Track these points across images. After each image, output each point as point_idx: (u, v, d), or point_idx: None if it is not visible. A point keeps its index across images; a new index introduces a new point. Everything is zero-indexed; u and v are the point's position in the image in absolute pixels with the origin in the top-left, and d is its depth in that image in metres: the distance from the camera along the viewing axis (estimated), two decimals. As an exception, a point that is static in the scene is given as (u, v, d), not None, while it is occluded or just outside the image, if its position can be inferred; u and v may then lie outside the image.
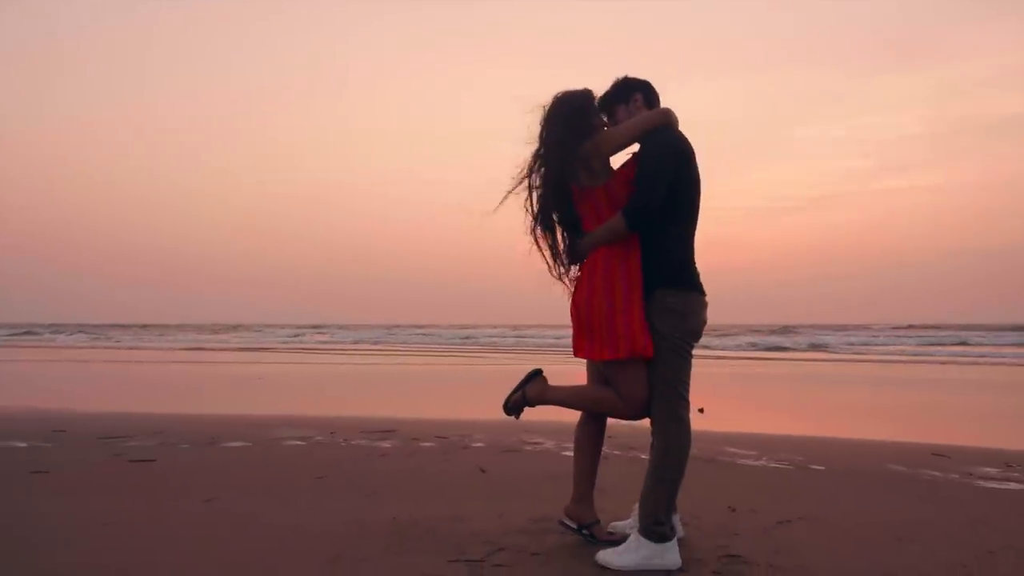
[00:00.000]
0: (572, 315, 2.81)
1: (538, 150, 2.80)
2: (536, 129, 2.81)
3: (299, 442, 5.42)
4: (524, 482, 4.06)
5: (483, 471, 4.37)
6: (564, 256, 2.86)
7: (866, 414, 8.24)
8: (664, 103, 2.91)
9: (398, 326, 52.77)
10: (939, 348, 25.47)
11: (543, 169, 2.78)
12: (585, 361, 2.92)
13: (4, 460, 4.66)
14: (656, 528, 2.60)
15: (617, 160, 2.83)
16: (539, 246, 2.88)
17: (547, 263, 2.88)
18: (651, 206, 2.62)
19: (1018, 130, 62.00)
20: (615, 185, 2.72)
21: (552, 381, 2.96)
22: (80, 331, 43.52)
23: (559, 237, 2.89)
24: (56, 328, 47.57)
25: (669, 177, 2.65)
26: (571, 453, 3.73)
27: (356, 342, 33.25)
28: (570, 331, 2.85)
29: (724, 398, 9.80)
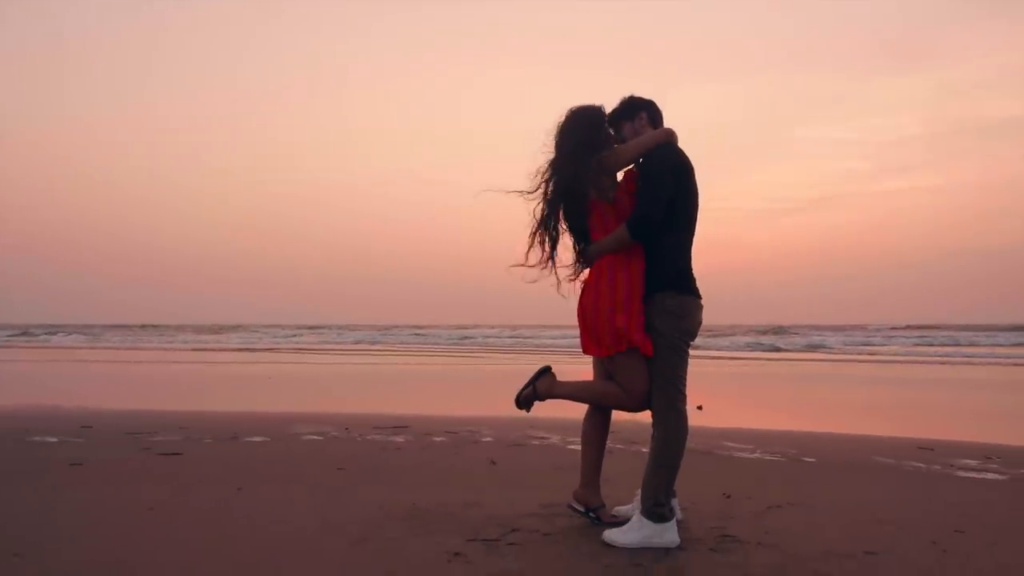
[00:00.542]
0: (579, 316, 3.08)
1: (553, 160, 3.07)
2: (550, 140, 3.08)
3: (316, 437, 5.70)
4: (532, 473, 4.33)
5: (493, 463, 4.64)
6: (555, 259, 3.12)
7: (858, 411, 8.51)
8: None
9: (396, 326, 52.86)
10: (933, 348, 25.73)
11: (555, 179, 3.05)
12: (591, 360, 3.19)
13: (41, 454, 4.93)
14: (657, 509, 2.87)
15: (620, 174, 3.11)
16: (541, 246, 3.14)
17: (541, 260, 3.12)
18: (652, 219, 2.89)
19: (1017, 131, 62.20)
20: (620, 198, 3.00)
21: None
22: (76, 332, 43.06)
23: (556, 239, 3.15)
24: (50, 329, 46.64)
25: (669, 192, 2.92)
26: (576, 447, 4.02)
27: (356, 342, 33.48)
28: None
29: (722, 396, 10.08)
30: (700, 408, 7.23)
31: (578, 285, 3.14)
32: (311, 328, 49.31)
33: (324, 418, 6.81)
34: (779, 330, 39.96)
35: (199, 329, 51.35)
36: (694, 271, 3.09)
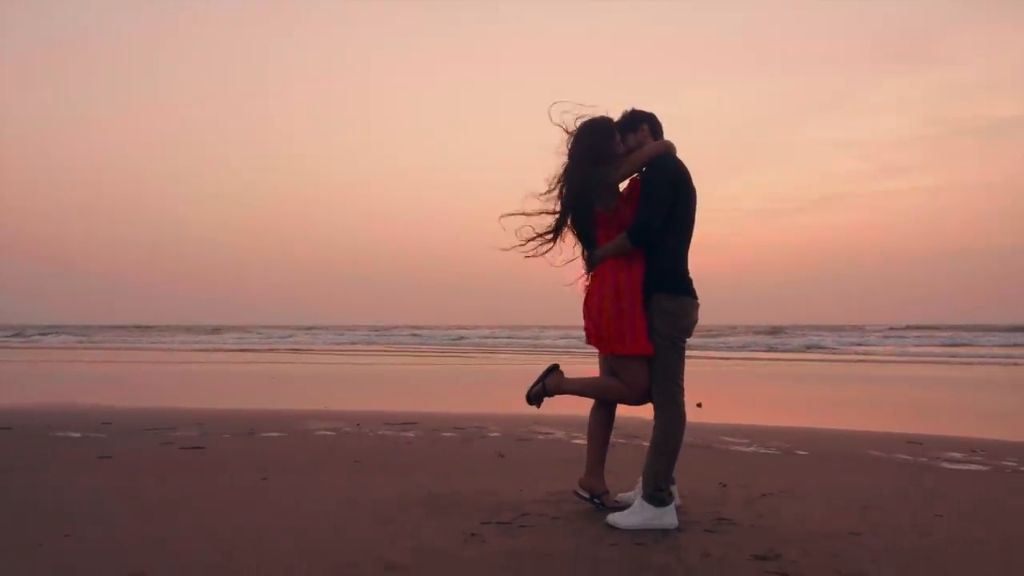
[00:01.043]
0: (585, 316, 3.32)
1: (565, 169, 3.30)
2: (563, 148, 3.32)
3: (330, 432, 5.93)
4: (539, 464, 4.57)
5: (501, 455, 4.87)
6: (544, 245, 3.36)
7: (852, 408, 8.75)
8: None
9: (392, 327, 52.87)
10: (930, 348, 25.97)
11: (567, 188, 3.28)
12: (598, 358, 3.44)
13: (69, 448, 5.16)
14: (657, 494, 3.11)
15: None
16: (545, 238, 3.37)
17: (548, 248, 3.38)
18: (651, 227, 3.13)
19: (1017, 132, 62.39)
20: (621, 207, 3.24)
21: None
22: (67, 333, 42.85)
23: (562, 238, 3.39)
24: (42, 330, 46.31)
25: (667, 201, 3.15)
26: (580, 441, 4.25)
27: (353, 343, 33.68)
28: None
29: (721, 394, 10.31)
30: (699, 406, 7.47)
31: (583, 285, 3.39)
32: (305, 329, 49.22)
33: (336, 415, 7.04)
34: (777, 330, 40.20)
35: (192, 330, 51.29)
36: (692, 272, 3.33)
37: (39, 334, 41.59)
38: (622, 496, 3.48)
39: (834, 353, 23.88)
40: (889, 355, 22.28)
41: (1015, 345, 25.87)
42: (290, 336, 39.49)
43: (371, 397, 10.14)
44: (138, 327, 57.12)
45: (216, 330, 49.90)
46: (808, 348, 26.39)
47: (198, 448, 5.14)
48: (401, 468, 4.43)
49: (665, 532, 3.04)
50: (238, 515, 3.33)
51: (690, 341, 3.33)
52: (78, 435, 5.73)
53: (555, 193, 3.32)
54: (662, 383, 3.21)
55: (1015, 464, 4.71)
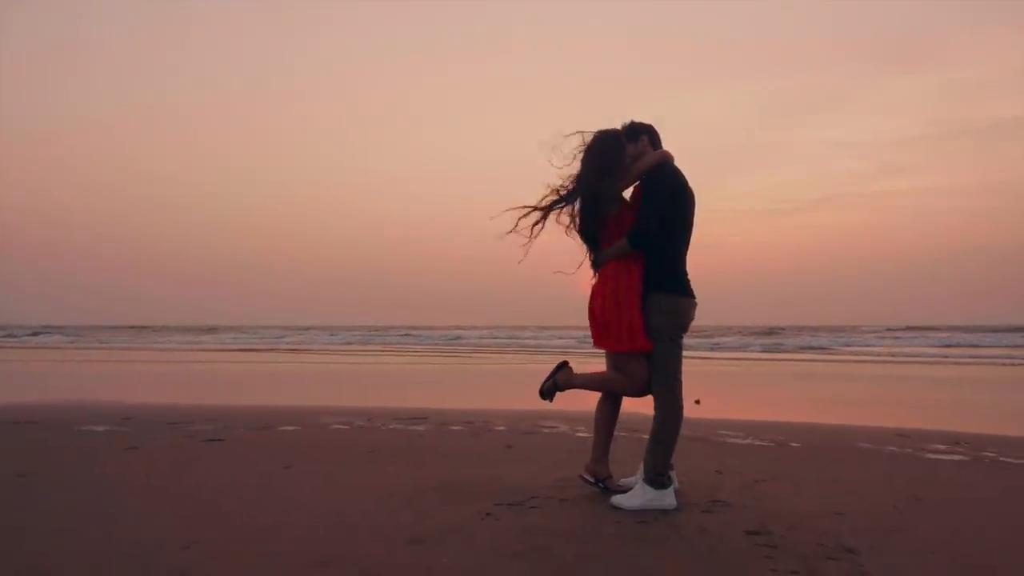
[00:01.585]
0: (590, 315, 3.59)
1: (577, 177, 3.55)
2: (575, 158, 3.58)
3: (343, 426, 6.18)
4: (545, 455, 4.83)
5: (509, 447, 5.13)
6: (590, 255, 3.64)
7: (844, 405, 9.01)
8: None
9: (392, 327, 53.01)
10: (925, 348, 26.26)
11: (578, 195, 3.54)
12: (605, 355, 3.71)
13: (96, 441, 5.42)
14: (657, 478, 3.37)
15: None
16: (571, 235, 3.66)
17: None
18: (649, 232, 3.39)
19: (1017, 132, 62.67)
20: (625, 212, 3.50)
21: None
22: (59, 333, 43.01)
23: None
24: (32, 330, 46.31)
25: (664, 208, 3.41)
26: (583, 434, 4.53)
27: (349, 343, 33.85)
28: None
29: (719, 392, 10.57)
30: (698, 403, 7.74)
31: (588, 286, 3.66)
32: (301, 329, 49.28)
33: (347, 410, 7.29)
34: (775, 331, 40.46)
35: (185, 331, 51.30)
36: (691, 272, 3.60)
37: (30, 335, 41.61)
38: (624, 481, 3.74)
39: (831, 353, 24.15)
40: (884, 355, 22.54)
41: (1013, 346, 26.12)
42: (285, 336, 39.67)
43: (375, 394, 10.40)
44: (130, 327, 57.20)
45: (210, 330, 49.94)
46: (805, 348, 26.67)
47: (219, 440, 5.39)
48: (415, 458, 4.69)
49: (665, 512, 3.30)
50: (271, 499, 3.59)
51: (688, 341, 3.61)
52: (102, 429, 5.98)
53: (563, 193, 3.58)
54: (661, 377, 3.47)
55: (994, 454, 4.98)
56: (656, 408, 3.50)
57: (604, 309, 3.50)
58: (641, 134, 3.66)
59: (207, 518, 3.21)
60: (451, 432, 5.89)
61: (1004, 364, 17.66)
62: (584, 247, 3.65)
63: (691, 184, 3.58)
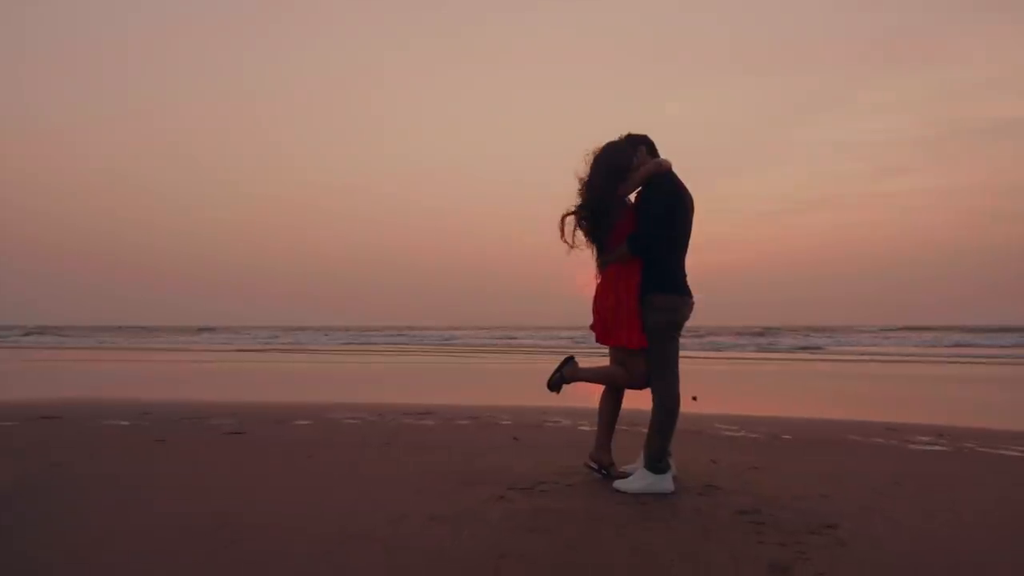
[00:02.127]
0: (594, 313, 3.88)
1: (586, 187, 3.82)
2: (585, 168, 3.85)
3: (355, 421, 6.46)
4: (550, 446, 5.11)
5: (516, 439, 5.41)
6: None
7: (836, 401, 9.31)
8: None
9: (386, 328, 52.98)
10: (920, 348, 26.60)
11: (587, 203, 3.82)
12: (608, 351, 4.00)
13: (123, 434, 5.69)
14: (656, 464, 3.66)
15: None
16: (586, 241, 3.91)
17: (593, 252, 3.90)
18: (647, 239, 3.67)
19: (1016, 133, 62.98)
20: (626, 218, 3.79)
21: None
22: (49, 334, 43.11)
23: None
24: (23, 331, 46.31)
25: (662, 215, 3.69)
26: (585, 428, 4.82)
27: (347, 343, 34.03)
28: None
29: (715, 389, 10.86)
30: (695, 399, 8.01)
31: (593, 286, 3.95)
32: (291, 329, 49.20)
33: (357, 407, 7.57)
34: (772, 331, 40.81)
35: (176, 331, 51.12)
36: (690, 272, 3.88)
37: (22, 335, 41.65)
38: (626, 468, 4.02)
39: (826, 352, 24.47)
40: (878, 354, 22.87)
41: (1006, 346, 26.43)
42: (277, 336, 39.84)
43: (380, 391, 10.66)
44: (124, 328, 57.24)
45: (202, 330, 49.90)
46: (800, 348, 26.99)
47: (240, 433, 5.67)
48: (428, 448, 4.97)
49: (663, 495, 3.59)
50: (296, 484, 3.87)
51: (685, 341, 3.90)
52: (126, 423, 6.25)
53: (577, 208, 3.86)
54: (659, 371, 3.76)
55: (973, 445, 5.27)
56: (654, 400, 3.78)
57: (607, 308, 3.80)
58: (639, 145, 3.94)
59: (239, 500, 3.49)
60: (459, 426, 6.16)
61: (995, 363, 17.99)
62: (591, 249, 3.93)
63: (689, 185, 3.87)
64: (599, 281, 3.92)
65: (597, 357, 4.63)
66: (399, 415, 6.84)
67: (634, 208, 3.85)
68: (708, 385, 11.40)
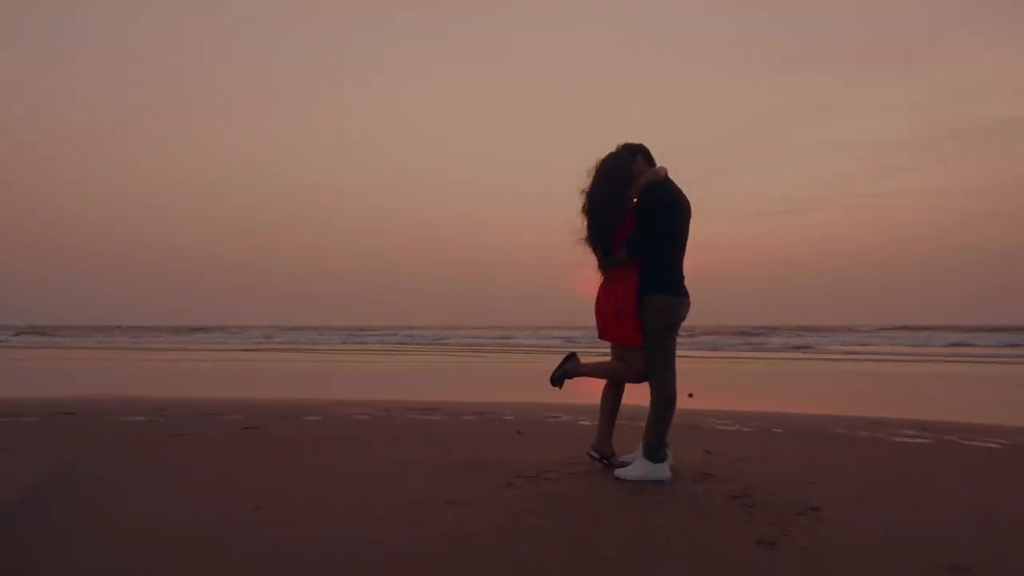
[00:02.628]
0: (596, 312, 4.14)
1: (590, 196, 4.07)
2: (588, 178, 4.10)
3: (363, 416, 6.71)
4: (553, 439, 5.36)
5: (519, 432, 5.67)
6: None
7: (826, 397, 9.59)
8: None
9: (381, 328, 53.06)
10: (914, 348, 26.95)
11: (592, 211, 4.06)
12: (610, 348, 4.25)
13: (142, 428, 5.92)
14: (654, 453, 3.91)
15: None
16: (590, 248, 4.16)
17: (595, 256, 4.14)
18: (644, 243, 3.93)
19: (1011, 134, 63.42)
20: (626, 223, 4.04)
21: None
22: (37, 334, 43.08)
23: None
24: (15, 331, 45.76)
25: (658, 220, 3.94)
26: (585, 423, 5.08)
27: (343, 343, 34.20)
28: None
29: (710, 386, 11.13)
30: (691, 396, 8.28)
31: (596, 286, 4.21)
32: (285, 329, 49.27)
33: (364, 403, 7.82)
34: (769, 330, 41.15)
35: (172, 330, 51.05)
36: (688, 272, 4.13)
37: (13, 335, 41.60)
38: (625, 458, 4.28)
39: (821, 351, 24.79)
40: (872, 353, 23.19)
41: (1009, 345, 26.66)
42: (271, 336, 39.98)
43: (383, 389, 10.91)
44: (114, 328, 57.18)
45: (195, 330, 49.85)
46: (794, 347, 27.31)
47: (255, 428, 5.91)
48: (436, 441, 5.22)
49: (660, 482, 3.84)
50: (318, 472, 4.12)
51: (682, 340, 4.15)
52: (142, 419, 6.48)
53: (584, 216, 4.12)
54: (656, 366, 4.01)
55: (955, 438, 5.54)
56: (652, 393, 4.03)
57: (608, 307, 4.06)
58: (636, 154, 4.20)
59: (268, 487, 3.74)
60: (464, 421, 6.41)
61: (987, 363, 18.31)
62: (592, 253, 4.17)
63: (687, 184, 4.13)
64: (601, 282, 4.18)
65: (595, 356, 4.90)
66: (405, 411, 7.08)
67: (633, 213, 4.10)
68: (704, 383, 11.67)
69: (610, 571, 2.56)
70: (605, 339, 4.18)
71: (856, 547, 2.81)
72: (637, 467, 3.93)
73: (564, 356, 4.35)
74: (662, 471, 3.90)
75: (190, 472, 4.17)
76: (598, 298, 4.15)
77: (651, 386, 4.04)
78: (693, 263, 4.15)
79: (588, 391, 4.39)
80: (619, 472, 3.95)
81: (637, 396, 4.34)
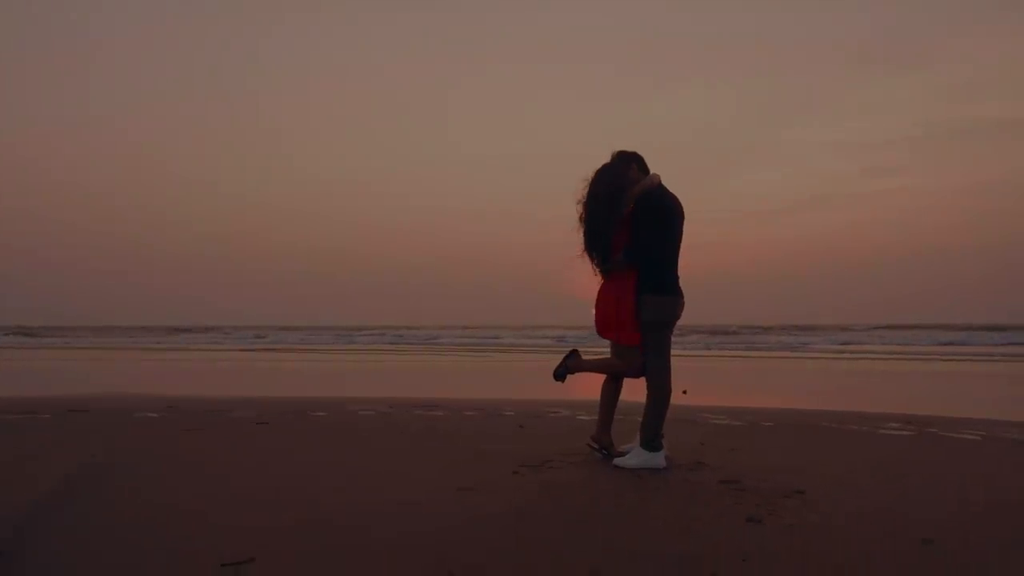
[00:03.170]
0: (596, 311, 4.38)
1: (588, 203, 4.30)
2: (585, 186, 4.34)
3: (370, 413, 6.94)
4: (554, 433, 5.60)
5: (521, 427, 5.91)
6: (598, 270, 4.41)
7: (816, 393, 9.86)
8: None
9: (377, 328, 53.03)
10: (909, 347, 27.31)
11: (590, 219, 4.30)
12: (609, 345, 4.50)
13: (155, 425, 6.14)
14: (651, 443, 4.16)
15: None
16: (588, 257, 4.40)
17: (592, 265, 4.39)
18: (641, 248, 4.17)
19: (1006, 133, 63.88)
20: (623, 229, 4.29)
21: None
22: (19, 333, 43.14)
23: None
24: (5, 331, 45.67)
25: (653, 226, 4.19)
26: (584, 418, 5.31)
27: (341, 342, 34.39)
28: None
29: (704, 384, 11.39)
30: (685, 392, 8.53)
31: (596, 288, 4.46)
32: (275, 329, 49.12)
33: (369, 400, 8.05)
34: (764, 329, 41.51)
35: (156, 331, 50.94)
36: (683, 272, 4.38)
37: (3, 335, 41.65)
38: (624, 447, 4.52)
39: (816, 350, 25.11)
40: (865, 352, 23.53)
41: (1002, 344, 26.98)
42: (263, 336, 40.05)
43: (385, 387, 11.14)
44: (102, 328, 57.04)
45: (180, 330, 49.67)
46: (787, 346, 27.64)
47: (265, 423, 6.13)
48: (441, 435, 5.46)
49: (656, 470, 4.09)
50: (334, 464, 4.35)
51: (677, 339, 4.40)
52: (156, 415, 6.70)
53: (583, 222, 4.36)
54: (652, 362, 4.26)
55: (936, 431, 5.81)
56: (648, 387, 4.28)
57: (607, 307, 4.31)
58: (631, 162, 4.44)
59: (287, 476, 3.97)
60: (467, 416, 6.65)
61: (979, 360, 18.64)
62: (590, 260, 4.40)
63: (680, 185, 4.37)
64: (601, 286, 4.43)
65: (592, 353, 5.13)
66: (409, 408, 7.32)
67: (629, 217, 4.34)
68: (698, 380, 11.93)
69: (609, 549, 2.79)
70: (604, 337, 4.43)
71: (837, 524, 3.06)
72: (635, 456, 4.17)
73: (566, 353, 4.59)
74: (658, 459, 4.15)
75: (219, 460, 4.39)
76: (598, 298, 4.40)
77: (648, 380, 4.28)
78: (687, 262, 4.40)
79: (586, 387, 4.64)
80: (618, 461, 4.20)
81: (634, 393, 4.60)
